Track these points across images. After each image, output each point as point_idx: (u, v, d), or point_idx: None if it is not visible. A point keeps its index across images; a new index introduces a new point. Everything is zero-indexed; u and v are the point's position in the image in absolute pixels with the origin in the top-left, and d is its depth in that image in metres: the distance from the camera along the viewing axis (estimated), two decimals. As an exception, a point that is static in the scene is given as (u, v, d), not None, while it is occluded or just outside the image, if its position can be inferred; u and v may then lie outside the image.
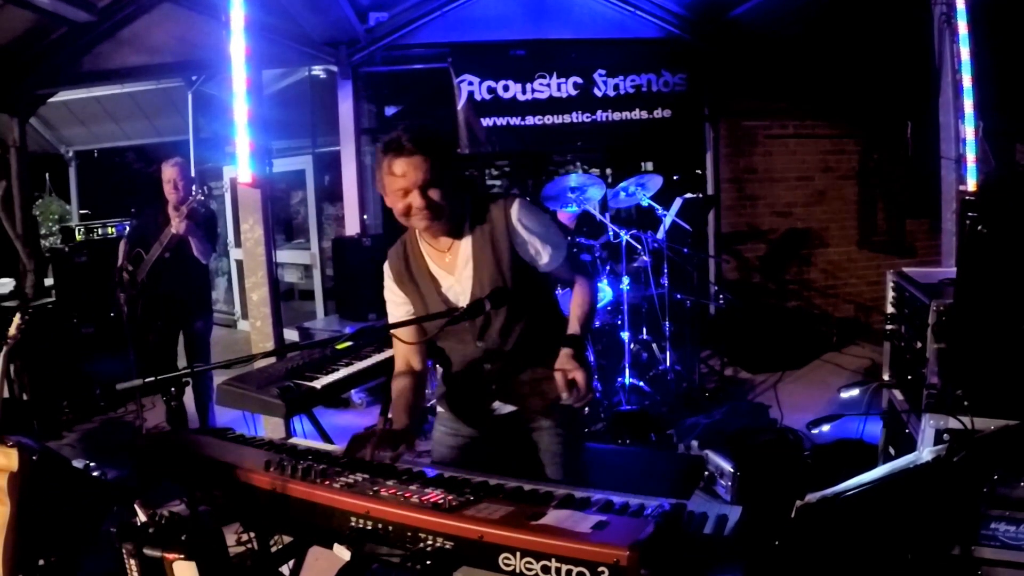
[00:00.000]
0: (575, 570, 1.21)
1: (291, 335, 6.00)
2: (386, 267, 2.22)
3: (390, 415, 2.12)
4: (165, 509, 1.59)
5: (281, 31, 5.79)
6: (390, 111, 7.41)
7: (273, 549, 1.86)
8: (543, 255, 2.07)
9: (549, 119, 6.40)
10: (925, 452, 1.91)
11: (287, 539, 1.84)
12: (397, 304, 2.20)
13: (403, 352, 2.20)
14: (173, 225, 4.22)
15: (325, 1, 5.64)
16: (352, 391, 5.26)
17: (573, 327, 2.06)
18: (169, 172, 4.30)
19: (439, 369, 2.28)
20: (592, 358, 1.94)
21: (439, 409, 2.30)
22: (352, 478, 1.63)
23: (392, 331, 2.15)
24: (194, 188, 4.25)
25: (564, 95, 6.41)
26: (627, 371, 4.83)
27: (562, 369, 1.92)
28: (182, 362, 4.66)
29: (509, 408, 2.17)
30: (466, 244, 2.06)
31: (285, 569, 2.00)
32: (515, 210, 2.04)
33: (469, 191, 2.13)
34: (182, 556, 1.49)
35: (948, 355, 2.63)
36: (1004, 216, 2.44)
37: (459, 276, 2.08)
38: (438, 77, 6.45)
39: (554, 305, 2.23)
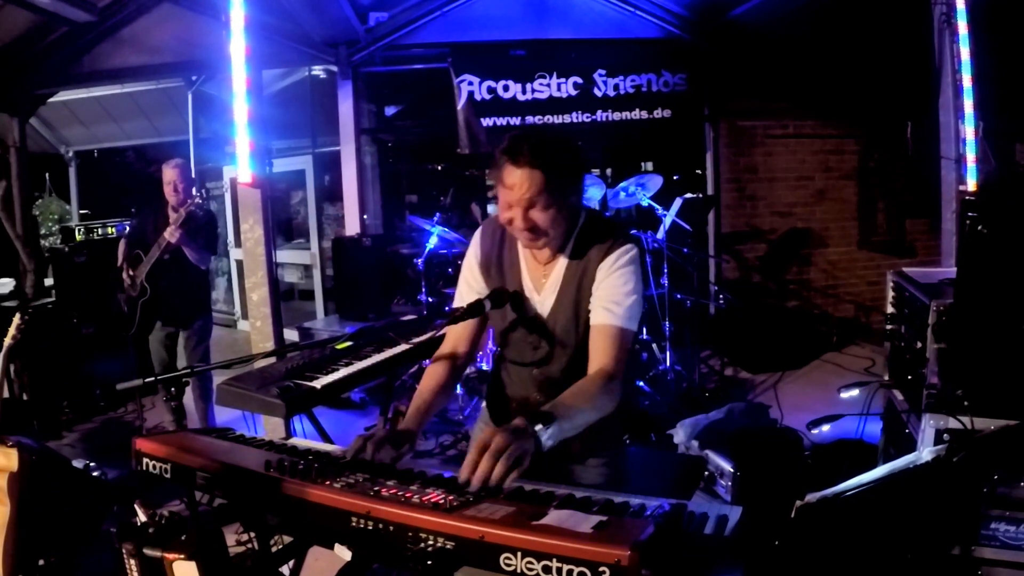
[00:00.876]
0: (576, 570, 1.21)
1: (291, 335, 6.00)
2: (475, 242, 2.04)
3: (390, 415, 2.10)
4: (165, 509, 1.59)
5: (281, 31, 5.79)
6: (390, 111, 7.42)
7: (273, 549, 1.85)
8: (594, 300, 1.84)
9: (549, 119, 6.40)
10: (925, 452, 1.91)
11: (287, 539, 1.84)
12: (471, 288, 2.03)
13: (452, 335, 2.06)
14: (167, 233, 4.19)
15: (325, 1, 5.64)
16: (352, 391, 5.26)
17: (552, 403, 1.68)
18: (169, 174, 4.29)
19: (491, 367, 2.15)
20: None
21: (483, 406, 2.20)
22: (352, 478, 1.63)
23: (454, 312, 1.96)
24: (193, 191, 4.25)
25: (564, 95, 6.41)
26: (627, 371, 4.82)
27: (483, 442, 1.51)
28: (182, 362, 4.65)
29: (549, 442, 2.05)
30: (560, 269, 1.90)
31: (285, 569, 2.00)
32: (616, 253, 1.83)
33: (587, 210, 1.94)
34: (182, 556, 1.49)
35: (948, 355, 2.63)
36: (1004, 216, 2.44)
37: (544, 299, 1.94)
38: (438, 77, 6.45)
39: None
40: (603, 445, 2.02)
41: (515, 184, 1.74)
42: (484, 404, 2.23)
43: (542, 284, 1.95)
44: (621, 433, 2.14)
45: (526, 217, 1.77)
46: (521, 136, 1.75)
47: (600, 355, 1.82)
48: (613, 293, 1.83)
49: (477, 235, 2.07)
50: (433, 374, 2.02)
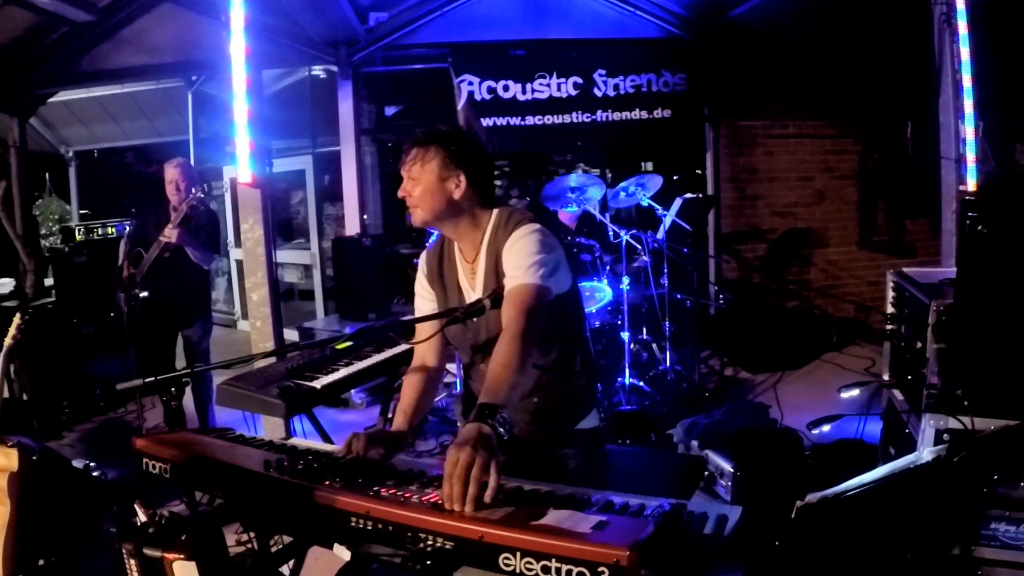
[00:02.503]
0: (575, 570, 1.21)
1: (291, 335, 6.00)
2: (421, 260, 2.20)
3: (390, 415, 2.11)
4: (165, 509, 1.59)
5: (281, 31, 5.79)
6: (390, 111, 7.42)
7: (273, 549, 1.85)
8: (505, 270, 1.89)
9: (549, 119, 6.40)
10: (925, 452, 1.91)
11: (287, 539, 1.84)
12: (424, 299, 2.17)
13: (419, 349, 2.15)
14: (166, 232, 4.19)
15: (325, 1, 5.64)
16: (352, 391, 5.26)
17: (483, 392, 1.65)
18: (171, 172, 4.29)
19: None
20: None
21: (459, 425, 2.25)
22: (352, 478, 1.63)
23: (416, 325, 2.10)
24: (193, 189, 4.25)
25: (564, 95, 6.41)
26: (627, 371, 4.83)
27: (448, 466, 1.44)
28: (181, 362, 4.65)
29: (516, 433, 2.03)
30: (482, 260, 2.02)
31: (285, 569, 2.00)
32: (513, 235, 1.93)
33: (500, 207, 2.04)
34: (182, 556, 1.49)
35: (948, 355, 2.63)
36: (1004, 216, 2.44)
37: (477, 292, 2.02)
38: (438, 77, 6.45)
39: (571, 340, 2.06)
40: (566, 433, 2.05)
41: (408, 159, 1.96)
42: (459, 423, 2.26)
43: (473, 281, 2.05)
44: (582, 411, 2.10)
45: (404, 186, 1.96)
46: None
47: (505, 314, 1.82)
48: (515, 259, 1.88)
49: (422, 257, 2.21)
50: (410, 386, 2.11)
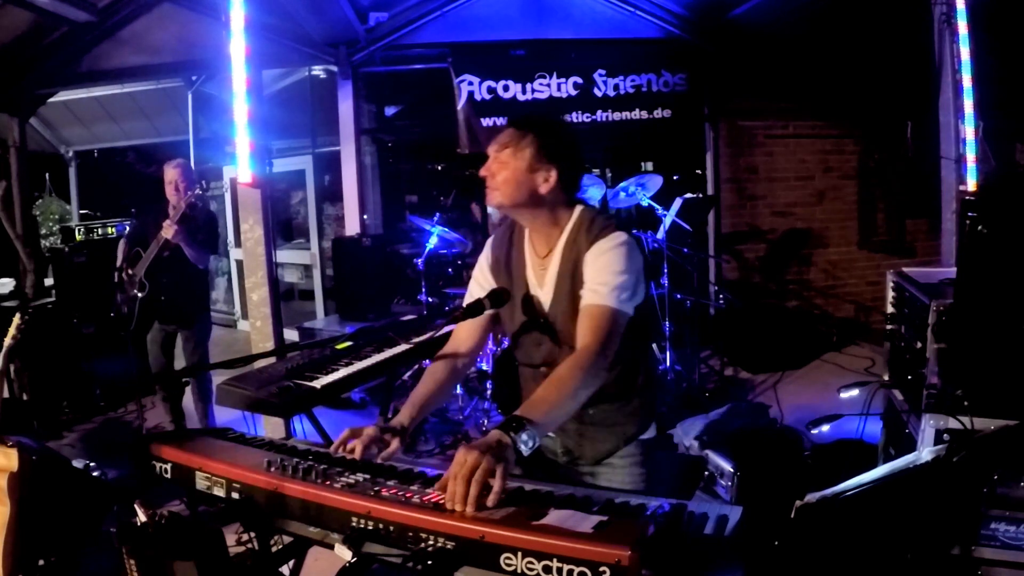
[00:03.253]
0: (576, 570, 1.21)
1: (291, 335, 6.00)
2: (488, 246, 2.12)
3: (390, 415, 2.09)
4: (165, 509, 1.59)
5: (281, 31, 5.79)
6: (390, 111, 7.42)
7: (273, 549, 1.85)
8: (585, 289, 1.82)
9: (549, 119, 6.39)
10: (925, 452, 1.91)
11: (287, 539, 1.84)
12: (481, 287, 2.06)
13: (457, 335, 2.08)
14: (164, 229, 4.19)
15: (325, 1, 5.64)
16: (352, 391, 5.26)
17: (525, 406, 1.62)
18: (171, 173, 4.30)
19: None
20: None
21: (486, 400, 2.25)
22: (353, 478, 1.63)
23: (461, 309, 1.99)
24: (192, 188, 4.25)
25: (564, 95, 6.41)
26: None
27: (455, 463, 1.44)
28: (180, 362, 4.65)
29: (559, 446, 2.03)
30: (556, 260, 1.94)
31: (285, 569, 2.00)
32: (599, 244, 1.84)
33: (582, 205, 1.98)
34: (182, 556, 1.49)
35: (948, 355, 2.63)
36: (1004, 216, 2.44)
37: (546, 291, 1.96)
38: (438, 77, 6.45)
39: (636, 358, 2.00)
40: (614, 443, 2.00)
41: (497, 138, 1.91)
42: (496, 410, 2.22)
43: (543, 277, 1.97)
44: (637, 429, 2.05)
45: (489, 165, 1.89)
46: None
47: (580, 336, 1.78)
48: (599, 274, 1.81)
49: (489, 240, 2.13)
50: (433, 373, 2.03)
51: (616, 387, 1.94)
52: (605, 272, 1.81)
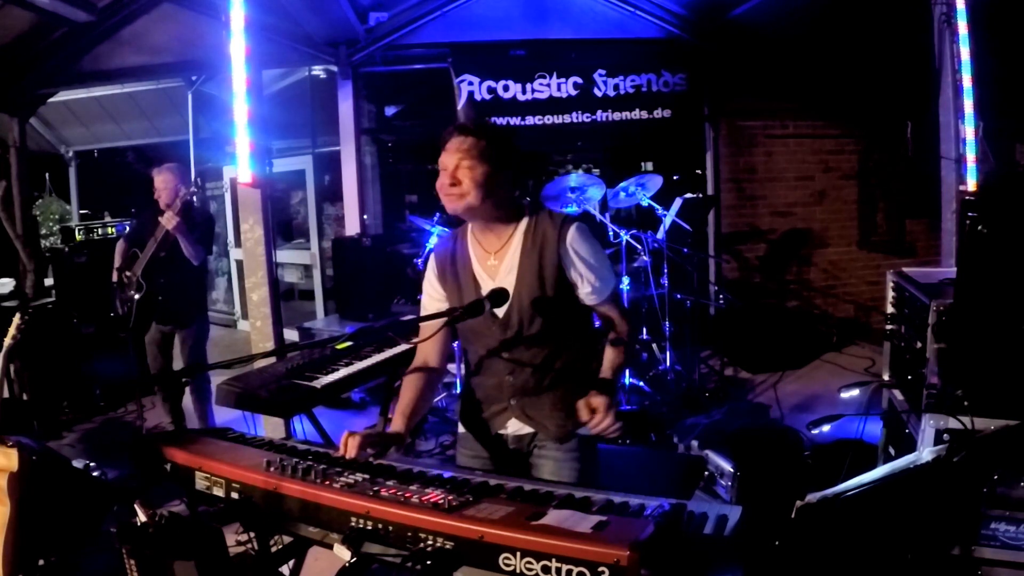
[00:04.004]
0: (575, 570, 1.21)
1: (291, 335, 6.00)
2: (431, 259, 2.23)
3: (390, 415, 2.11)
4: (165, 509, 1.59)
5: (281, 31, 5.79)
6: (390, 111, 7.41)
7: (273, 549, 1.85)
8: (585, 286, 2.04)
9: (549, 119, 6.40)
10: (925, 452, 1.91)
11: (287, 539, 1.84)
12: (433, 299, 2.19)
13: (422, 348, 2.18)
14: (164, 219, 4.19)
15: (325, 1, 5.64)
16: (352, 391, 5.26)
17: (605, 371, 2.03)
18: (156, 180, 4.33)
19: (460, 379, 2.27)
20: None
21: (460, 430, 2.27)
22: (352, 478, 1.63)
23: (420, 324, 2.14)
24: (183, 189, 4.24)
25: (564, 95, 6.41)
26: (627, 371, 4.83)
27: (588, 401, 1.89)
28: (178, 363, 4.65)
29: (526, 429, 2.12)
30: (514, 252, 2.06)
31: (285, 569, 2.00)
32: (571, 231, 2.03)
33: (524, 199, 2.14)
34: (182, 556, 1.49)
35: (948, 355, 2.63)
36: (1004, 216, 2.44)
37: (499, 281, 2.06)
38: (438, 77, 6.45)
39: (591, 336, 2.18)
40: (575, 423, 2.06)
41: (452, 148, 1.99)
42: (460, 429, 2.28)
43: (494, 268, 2.08)
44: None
45: (453, 174, 1.98)
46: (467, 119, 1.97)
47: (610, 315, 2.11)
48: (590, 268, 2.03)
49: (431, 256, 2.24)
50: (411, 384, 2.13)
51: (578, 367, 2.09)
52: (597, 256, 2.05)
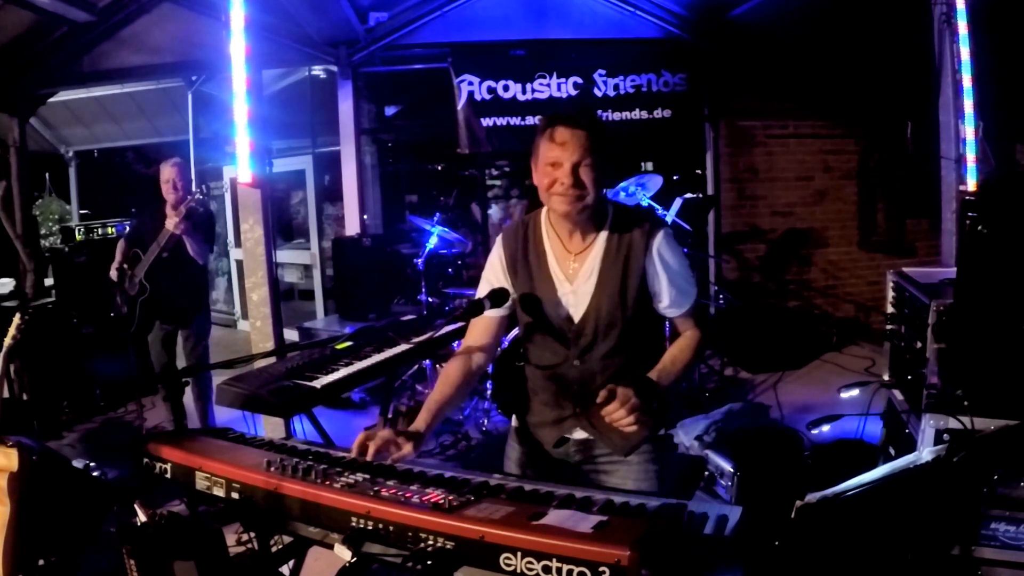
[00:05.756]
0: (576, 570, 1.21)
1: (291, 335, 6.00)
2: (498, 244, 2.08)
3: (390, 415, 2.09)
4: (165, 509, 1.59)
5: (281, 31, 5.79)
6: (390, 111, 7.41)
7: (273, 549, 1.85)
8: (666, 297, 1.94)
9: (549, 119, 6.39)
10: (925, 452, 1.91)
11: (287, 539, 1.84)
12: (492, 286, 2.03)
13: (473, 332, 2.06)
14: (169, 223, 4.20)
15: (325, 1, 5.64)
16: (352, 391, 5.26)
17: (652, 372, 1.87)
18: (168, 172, 4.30)
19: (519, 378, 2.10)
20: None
21: (513, 423, 2.17)
22: (352, 478, 1.63)
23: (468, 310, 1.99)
24: (193, 188, 4.25)
25: (564, 95, 6.41)
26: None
27: (614, 388, 1.73)
28: (181, 362, 4.65)
29: (584, 435, 1.99)
30: (596, 254, 1.95)
31: (285, 569, 2.00)
32: (660, 238, 1.92)
33: (613, 201, 2.02)
34: (182, 556, 1.49)
35: (948, 355, 2.63)
36: (1004, 216, 2.44)
37: (578, 287, 1.96)
38: (438, 77, 6.45)
39: (662, 348, 2.06)
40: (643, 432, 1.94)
41: (567, 140, 1.83)
42: (512, 423, 2.18)
43: (574, 272, 1.96)
44: (664, 422, 2.07)
45: (574, 173, 1.83)
46: (574, 108, 1.88)
47: (687, 327, 2.01)
48: (675, 280, 1.95)
49: (499, 239, 2.09)
50: (447, 377, 2.01)
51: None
52: (680, 277, 1.96)
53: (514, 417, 2.17)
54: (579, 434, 2.00)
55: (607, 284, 1.92)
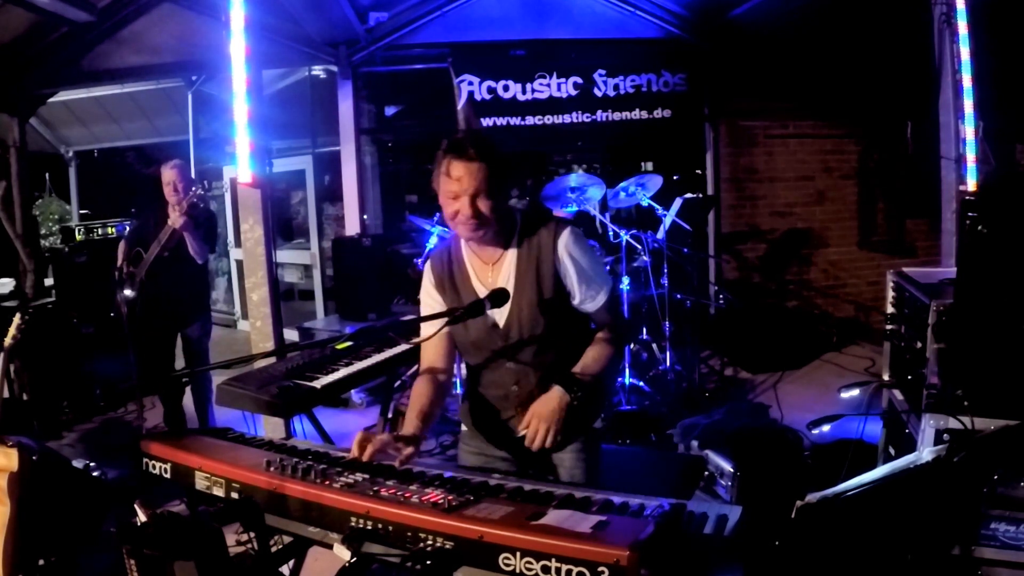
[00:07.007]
0: (575, 570, 1.21)
1: (291, 335, 6.00)
2: (427, 269, 2.19)
3: (390, 415, 2.11)
4: (165, 509, 1.59)
5: (281, 31, 5.79)
6: (390, 111, 7.42)
7: (273, 549, 1.85)
8: (578, 293, 2.03)
9: (549, 119, 6.40)
10: (925, 452, 1.91)
11: (287, 539, 1.84)
12: (432, 308, 2.14)
13: (427, 354, 2.16)
14: (171, 219, 4.20)
15: (325, 1, 5.64)
16: (352, 391, 5.26)
17: (576, 367, 1.99)
18: (169, 175, 4.30)
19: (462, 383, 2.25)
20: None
21: (463, 427, 2.27)
22: (352, 478, 1.63)
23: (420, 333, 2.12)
24: (193, 187, 4.25)
25: (564, 95, 6.41)
26: (627, 371, 4.83)
27: (533, 413, 1.90)
28: (180, 363, 4.65)
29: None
30: (510, 261, 2.04)
31: (285, 569, 2.00)
32: (565, 236, 2.00)
33: (519, 208, 2.10)
34: (182, 556, 1.49)
35: (948, 355, 2.63)
36: (1004, 216, 2.44)
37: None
38: (438, 77, 6.45)
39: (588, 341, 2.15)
40: (577, 431, 2.07)
41: (462, 176, 1.89)
42: (463, 427, 2.27)
43: (493, 281, 2.06)
44: (594, 416, 2.20)
45: (472, 205, 1.90)
46: (463, 135, 1.94)
47: (604, 321, 2.09)
48: (584, 276, 2.02)
49: (427, 266, 2.20)
50: (420, 392, 2.08)
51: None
52: (587, 271, 2.03)
53: (463, 424, 2.27)
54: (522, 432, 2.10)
55: (524, 288, 2.01)
